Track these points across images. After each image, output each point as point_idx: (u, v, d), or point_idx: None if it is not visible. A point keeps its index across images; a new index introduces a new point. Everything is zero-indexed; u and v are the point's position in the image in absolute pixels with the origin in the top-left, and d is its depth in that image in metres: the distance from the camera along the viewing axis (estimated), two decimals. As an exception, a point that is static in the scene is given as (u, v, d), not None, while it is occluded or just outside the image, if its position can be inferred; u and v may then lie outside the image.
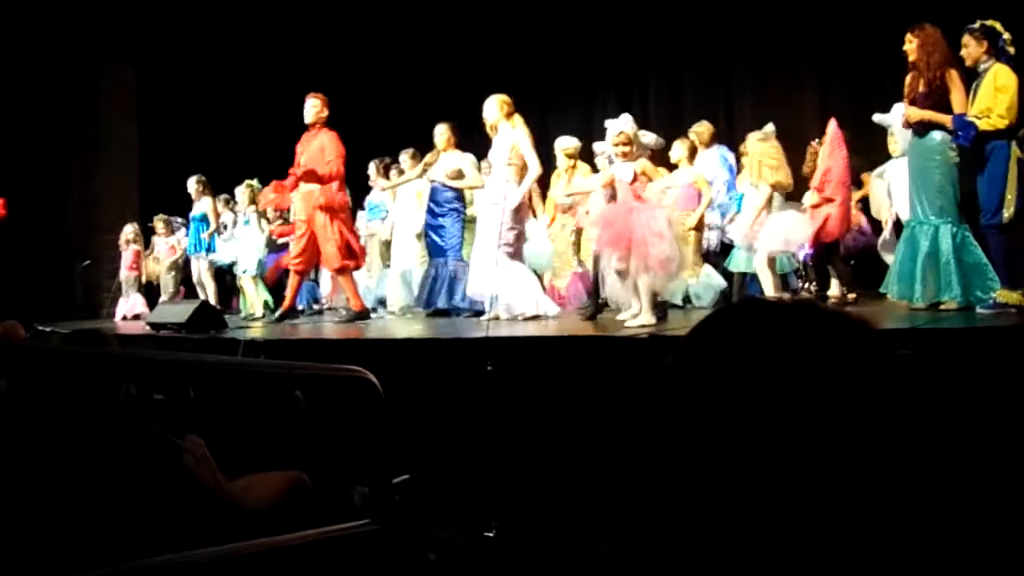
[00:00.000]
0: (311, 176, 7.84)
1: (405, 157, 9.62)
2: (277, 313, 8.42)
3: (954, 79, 5.77)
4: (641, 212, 5.99)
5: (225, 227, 10.80)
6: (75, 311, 11.13)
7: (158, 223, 11.34)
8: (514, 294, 6.98)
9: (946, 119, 5.75)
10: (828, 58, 10.23)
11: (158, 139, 11.99)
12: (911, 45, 5.94)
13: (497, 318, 6.68)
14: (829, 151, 7.24)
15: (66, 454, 2.20)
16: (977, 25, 5.67)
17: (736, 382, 0.81)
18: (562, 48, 12.02)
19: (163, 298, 10.85)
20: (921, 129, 5.93)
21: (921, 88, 5.86)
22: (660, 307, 6.16)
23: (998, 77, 5.52)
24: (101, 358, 2.02)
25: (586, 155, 8.90)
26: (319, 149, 7.90)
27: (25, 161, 10.95)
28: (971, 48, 5.67)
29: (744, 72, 11.14)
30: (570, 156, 8.82)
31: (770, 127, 7.64)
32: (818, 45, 10.23)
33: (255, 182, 9.78)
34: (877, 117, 7.72)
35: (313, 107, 8.01)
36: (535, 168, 7.27)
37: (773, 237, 6.97)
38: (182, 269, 11.12)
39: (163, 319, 7.76)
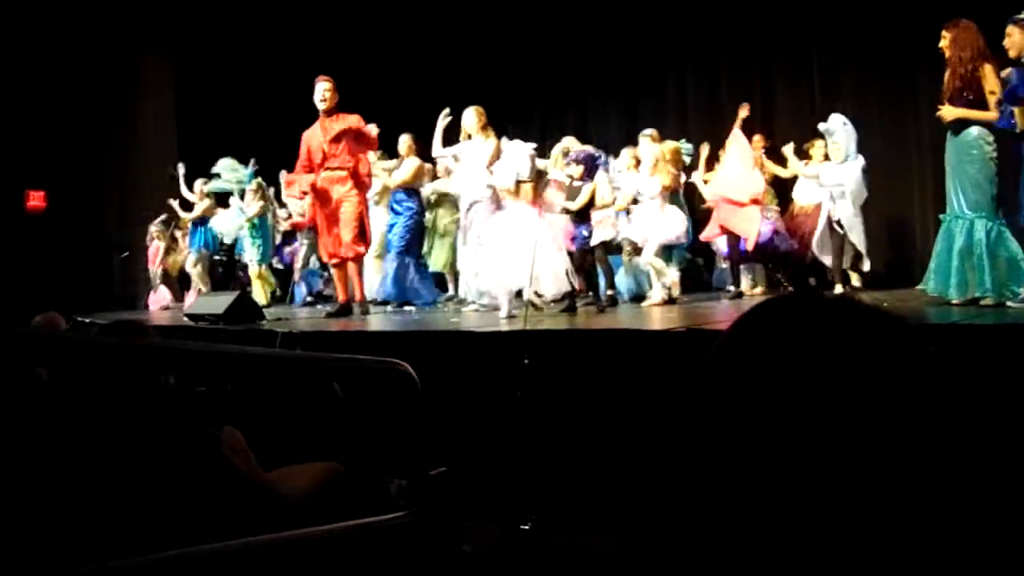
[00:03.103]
0: (360, 141, 7.76)
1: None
2: (336, 307, 8.04)
3: (987, 74, 5.71)
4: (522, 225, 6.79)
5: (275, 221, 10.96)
6: (113, 302, 11.26)
7: (183, 220, 11.58)
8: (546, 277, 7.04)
9: (980, 115, 5.71)
10: (867, 50, 10.08)
11: (196, 131, 12.08)
12: (945, 41, 5.89)
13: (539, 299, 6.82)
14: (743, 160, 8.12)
15: (106, 444, 2.22)
16: (1022, 16, 5.59)
17: (777, 374, 0.82)
18: (602, 47, 12.05)
19: (192, 292, 11.00)
20: (957, 126, 5.87)
21: (956, 84, 5.80)
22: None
23: None
24: (139, 349, 2.03)
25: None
26: (349, 127, 7.72)
27: (64, 154, 11.08)
28: (1016, 38, 5.59)
29: (783, 65, 11.04)
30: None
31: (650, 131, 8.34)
32: (855, 37, 10.09)
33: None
34: (822, 126, 8.25)
35: (327, 91, 7.72)
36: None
37: (661, 231, 7.62)
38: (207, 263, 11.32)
39: (201, 311, 7.84)
